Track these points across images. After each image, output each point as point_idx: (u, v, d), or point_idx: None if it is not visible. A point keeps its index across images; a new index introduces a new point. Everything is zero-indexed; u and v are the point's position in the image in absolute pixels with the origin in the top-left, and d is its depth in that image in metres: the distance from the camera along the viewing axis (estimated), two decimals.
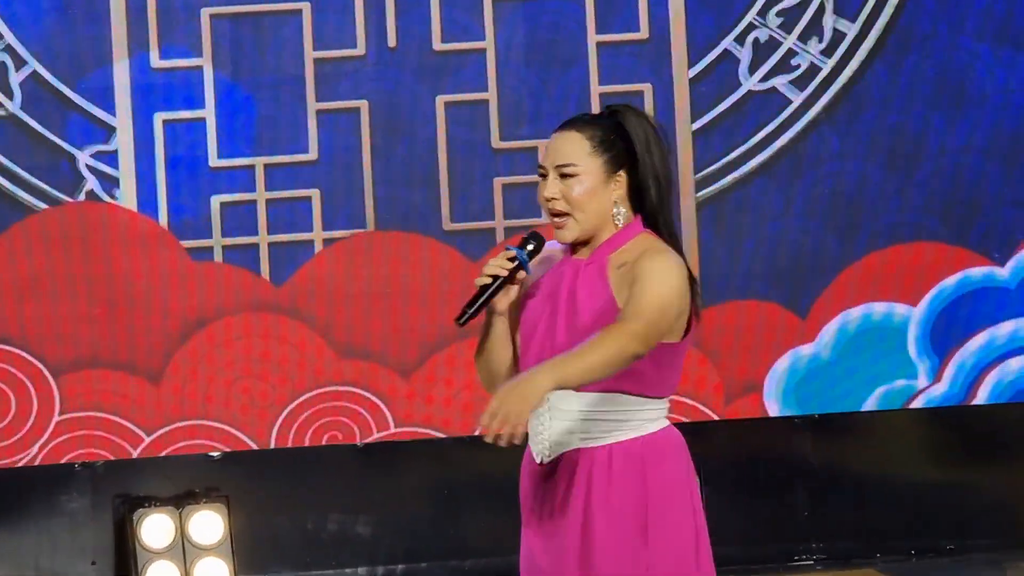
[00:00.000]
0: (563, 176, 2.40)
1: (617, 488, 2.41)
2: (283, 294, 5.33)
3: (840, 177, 5.54)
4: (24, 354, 5.27)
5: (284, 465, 5.40)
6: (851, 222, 5.58)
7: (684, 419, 5.34)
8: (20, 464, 5.29)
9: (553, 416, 2.43)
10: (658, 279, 2.34)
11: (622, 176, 2.40)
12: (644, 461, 2.42)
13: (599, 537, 2.38)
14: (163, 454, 5.32)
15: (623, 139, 2.41)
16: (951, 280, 5.63)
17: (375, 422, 5.35)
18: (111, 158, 5.28)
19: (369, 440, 5.40)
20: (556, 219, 2.42)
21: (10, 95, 5.14)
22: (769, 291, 5.66)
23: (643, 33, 5.38)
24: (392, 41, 5.24)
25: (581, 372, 2.29)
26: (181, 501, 5.15)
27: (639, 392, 2.42)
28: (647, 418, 2.45)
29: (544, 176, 2.42)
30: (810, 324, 5.61)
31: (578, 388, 2.41)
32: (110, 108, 5.18)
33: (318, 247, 5.34)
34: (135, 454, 5.27)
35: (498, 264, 2.37)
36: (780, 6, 5.43)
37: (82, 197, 5.27)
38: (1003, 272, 5.62)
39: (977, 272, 5.66)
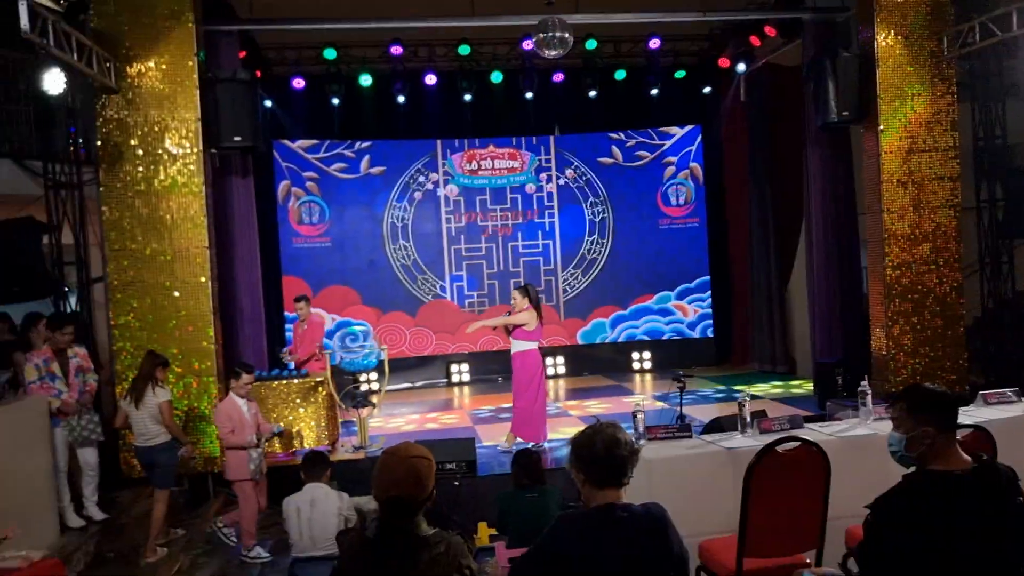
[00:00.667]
0: (514, 300, 10.33)
1: (517, 363, 10.59)
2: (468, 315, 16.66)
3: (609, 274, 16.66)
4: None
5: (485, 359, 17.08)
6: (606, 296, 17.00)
7: (565, 343, 16.84)
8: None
9: (515, 347, 10.48)
10: (518, 315, 10.30)
11: (526, 299, 10.32)
12: (524, 357, 10.54)
13: (514, 379, 10.62)
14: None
15: (527, 290, 10.41)
16: (621, 312, 17.01)
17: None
18: (445, 292, 16.91)
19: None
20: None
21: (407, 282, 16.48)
22: (585, 312, 16.89)
23: None
24: None
25: (490, 325, 10.92)
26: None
27: (524, 339, 10.46)
28: (527, 346, 10.51)
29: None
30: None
31: (507, 336, 10.51)
32: (442, 275, 16.92)
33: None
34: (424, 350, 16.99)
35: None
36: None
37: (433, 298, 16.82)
38: (625, 311, 16.91)
39: (615, 313, 16.87)
